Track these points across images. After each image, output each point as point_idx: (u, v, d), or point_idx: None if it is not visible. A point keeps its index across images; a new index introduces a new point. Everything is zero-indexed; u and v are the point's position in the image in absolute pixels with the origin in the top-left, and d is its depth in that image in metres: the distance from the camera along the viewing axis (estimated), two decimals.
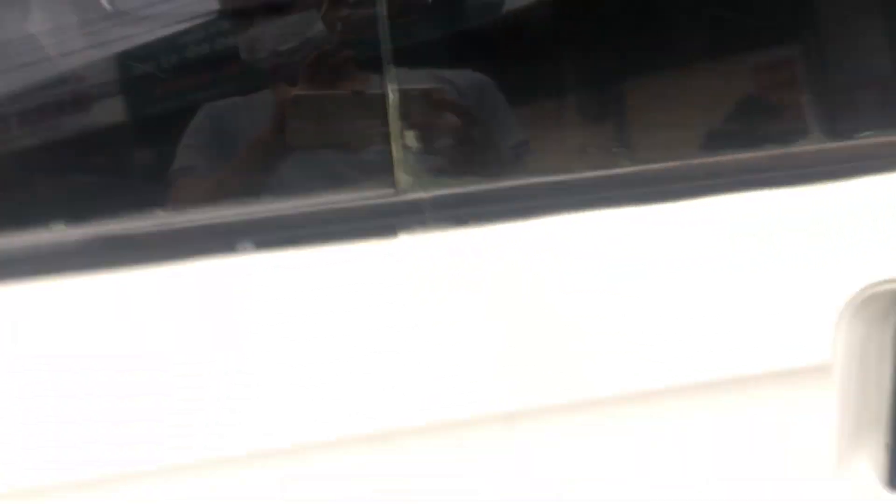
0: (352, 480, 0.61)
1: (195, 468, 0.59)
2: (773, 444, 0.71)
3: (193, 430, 0.58)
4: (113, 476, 0.58)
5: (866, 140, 0.67)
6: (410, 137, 0.60)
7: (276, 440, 0.59)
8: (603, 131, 0.67)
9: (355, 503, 0.60)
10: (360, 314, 0.59)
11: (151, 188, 0.64)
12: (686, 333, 0.64)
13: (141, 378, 0.57)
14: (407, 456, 0.61)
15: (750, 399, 0.68)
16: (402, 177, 0.61)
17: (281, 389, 0.58)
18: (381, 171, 0.60)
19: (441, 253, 0.60)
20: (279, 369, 0.58)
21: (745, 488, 0.72)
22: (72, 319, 0.56)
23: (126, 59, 0.64)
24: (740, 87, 0.67)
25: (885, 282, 0.67)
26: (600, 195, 0.62)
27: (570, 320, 0.61)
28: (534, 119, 0.67)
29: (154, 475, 0.59)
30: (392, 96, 0.60)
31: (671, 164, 0.63)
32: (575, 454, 0.64)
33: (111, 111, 0.66)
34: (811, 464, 0.72)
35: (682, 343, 0.64)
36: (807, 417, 0.70)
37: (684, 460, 0.69)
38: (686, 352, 0.64)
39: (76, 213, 0.58)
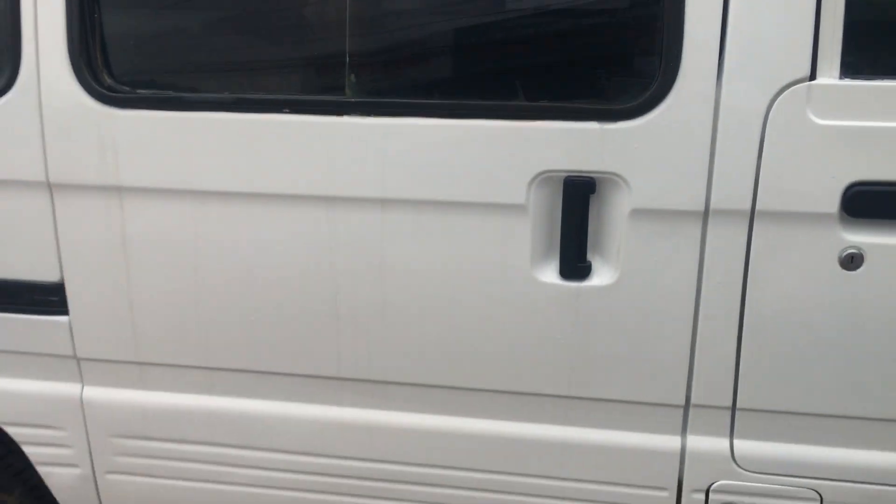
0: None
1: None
2: (493, 253, 1.51)
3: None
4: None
5: (545, 104, 1.44)
6: (351, 76, 1.48)
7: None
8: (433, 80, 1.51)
9: None
10: (320, 135, 1.50)
11: None
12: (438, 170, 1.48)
13: None
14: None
15: (477, 221, 1.49)
16: (348, 89, 1.49)
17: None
18: (340, 88, 1.49)
19: (360, 124, 1.48)
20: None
21: (466, 284, 1.53)
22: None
23: None
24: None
25: (553, 171, 1.45)
26: (416, 110, 1.46)
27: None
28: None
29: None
30: (348, 60, 1.47)
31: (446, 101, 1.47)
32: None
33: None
34: (514, 264, 1.51)
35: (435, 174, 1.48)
36: (512, 236, 1.50)
37: (424, 260, 1.52)
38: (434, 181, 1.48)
39: None
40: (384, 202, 1.52)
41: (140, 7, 1.59)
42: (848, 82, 1.35)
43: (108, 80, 1.57)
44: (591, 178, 1.45)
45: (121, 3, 1.57)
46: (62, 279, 1.70)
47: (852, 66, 1.35)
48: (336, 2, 1.48)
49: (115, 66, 1.58)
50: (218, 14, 1.55)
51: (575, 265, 1.50)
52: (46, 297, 1.72)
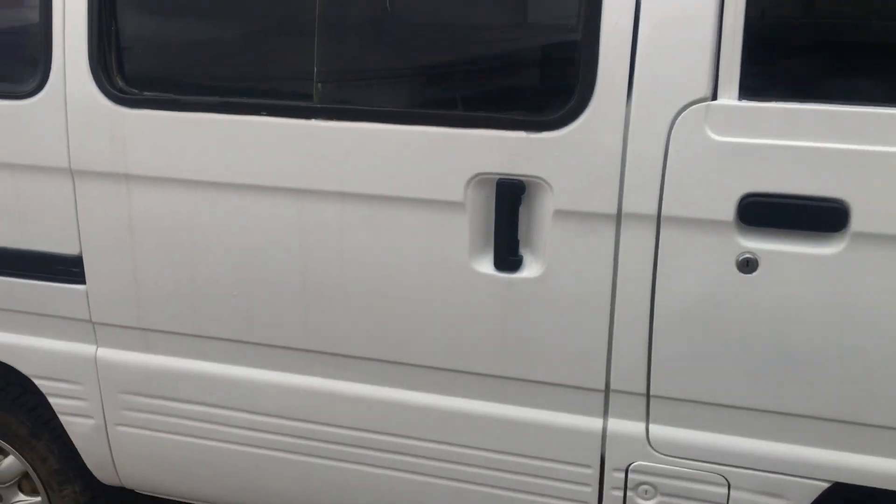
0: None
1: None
2: (436, 244, 1.70)
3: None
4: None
5: (481, 114, 1.63)
6: (318, 85, 1.70)
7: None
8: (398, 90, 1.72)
9: None
10: (291, 135, 1.74)
11: None
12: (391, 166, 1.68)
13: None
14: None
15: (422, 215, 1.68)
16: (315, 97, 1.71)
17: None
18: (309, 95, 1.71)
19: (325, 127, 1.71)
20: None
21: (412, 271, 1.72)
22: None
23: None
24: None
25: (487, 173, 1.63)
26: (371, 116, 1.67)
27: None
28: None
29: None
30: (316, 71, 1.70)
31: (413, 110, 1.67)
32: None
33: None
34: (454, 255, 1.70)
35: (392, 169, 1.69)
36: (452, 230, 1.69)
37: (376, 248, 1.73)
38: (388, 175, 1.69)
39: None
40: (343, 195, 1.74)
41: (148, 25, 1.86)
42: (745, 103, 1.49)
43: (121, 84, 1.85)
44: (521, 180, 1.63)
45: (133, 21, 1.84)
46: (81, 253, 1.98)
47: (750, 89, 1.49)
48: (307, 25, 1.72)
49: (128, 72, 1.86)
50: (211, 32, 1.81)
51: (507, 258, 1.68)
52: (69, 268, 2.01)
